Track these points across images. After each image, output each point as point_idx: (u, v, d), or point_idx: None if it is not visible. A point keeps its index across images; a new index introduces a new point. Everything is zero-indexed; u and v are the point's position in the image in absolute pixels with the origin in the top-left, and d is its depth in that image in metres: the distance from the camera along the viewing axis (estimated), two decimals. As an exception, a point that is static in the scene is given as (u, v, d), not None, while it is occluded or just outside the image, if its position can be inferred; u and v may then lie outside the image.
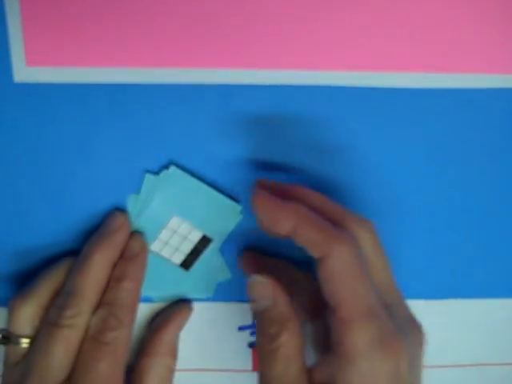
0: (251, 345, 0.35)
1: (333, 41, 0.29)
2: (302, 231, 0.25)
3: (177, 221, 0.32)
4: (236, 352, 0.35)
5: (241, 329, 0.35)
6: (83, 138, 0.30)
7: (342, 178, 0.32)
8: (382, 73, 0.30)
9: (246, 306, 0.34)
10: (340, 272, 0.25)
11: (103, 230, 0.30)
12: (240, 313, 0.34)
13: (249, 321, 0.34)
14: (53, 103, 0.30)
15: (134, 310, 0.30)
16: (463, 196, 0.33)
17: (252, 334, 0.35)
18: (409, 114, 0.31)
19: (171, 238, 0.32)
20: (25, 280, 0.32)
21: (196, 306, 0.34)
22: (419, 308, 0.33)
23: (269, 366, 0.25)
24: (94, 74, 0.29)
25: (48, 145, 0.30)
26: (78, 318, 0.28)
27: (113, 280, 0.30)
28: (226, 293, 0.34)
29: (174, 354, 0.32)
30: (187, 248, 0.32)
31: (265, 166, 0.31)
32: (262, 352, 0.26)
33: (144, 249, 0.31)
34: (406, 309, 0.27)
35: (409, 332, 0.26)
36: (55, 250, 0.32)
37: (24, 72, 0.29)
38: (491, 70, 0.30)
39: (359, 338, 0.24)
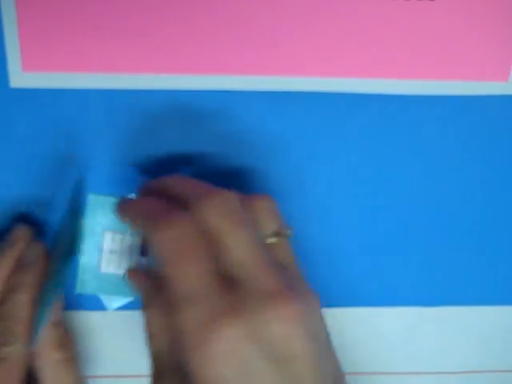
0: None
1: (329, 48, 0.29)
2: (135, 225, 0.26)
3: None
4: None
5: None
6: (80, 143, 0.30)
7: (336, 184, 0.32)
8: (378, 79, 0.30)
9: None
10: (162, 257, 0.24)
11: (2, 244, 0.30)
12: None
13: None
14: (49, 108, 0.29)
15: (28, 323, 0.29)
16: (458, 204, 0.33)
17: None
18: (405, 120, 0.31)
19: None
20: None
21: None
22: (413, 315, 0.34)
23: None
24: (90, 80, 0.29)
25: (44, 150, 0.30)
26: None
27: (8, 291, 0.29)
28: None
29: (56, 347, 0.30)
30: None
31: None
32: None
33: (41, 257, 0.30)
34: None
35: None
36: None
37: (20, 77, 0.29)
38: (484, 77, 0.30)
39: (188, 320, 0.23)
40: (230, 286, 0.24)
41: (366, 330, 0.34)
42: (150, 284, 0.27)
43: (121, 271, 0.31)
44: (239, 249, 0.24)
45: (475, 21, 0.29)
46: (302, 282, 0.27)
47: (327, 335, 0.26)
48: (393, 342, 0.34)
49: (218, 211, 0.25)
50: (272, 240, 0.26)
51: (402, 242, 0.33)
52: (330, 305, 0.34)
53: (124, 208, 0.27)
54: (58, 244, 0.30)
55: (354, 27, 0.29)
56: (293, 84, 0.30)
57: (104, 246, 0.31)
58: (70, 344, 0.31)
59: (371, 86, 0.30)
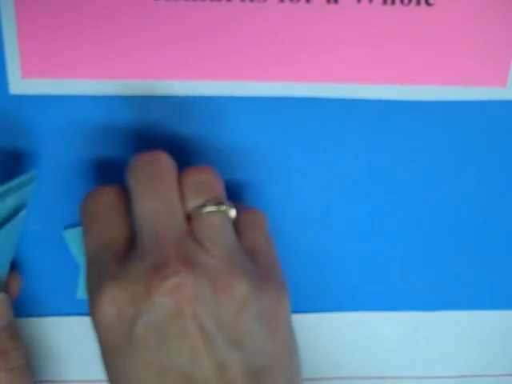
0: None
1: (327, 54, 0.29)
2: None
3: None
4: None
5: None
6: (79, 149, 0.30)
7: (335, 189, 0.32)
8: (375, 85, 0.30)
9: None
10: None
11: None
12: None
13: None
14: (49, 115, 0.30)
15: None
16: (457, 209, 0.33)
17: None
18: (403, 126, 0.31)
19: None
20: None
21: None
22: (413, 320, 0.34)
23: None
24: (90, 86, 0.29)
25: (44, 156, 0.30)
26: None
27: None
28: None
29: None
30: None
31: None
32: None
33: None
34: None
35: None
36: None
37: (20, 84, 0.29)
38: (482, 82, 0.30)
39: None
40: (127, 251, 0.24)
41: (365, 335, 0.34)
42: None
43: None
44: (141, 216, 0.24)
45: (473, 26, 0.29)
46: (232, 260, 0.24)
47: (255, 321, 0.23)
48: (392, 346, 0.34)
49: (136, 173, 0.25)
50: (202, 211, 0.25)
51: (401, 246, 0.33)
52: (329, 309, 0.34)
53: None
54: None
55: (352, 33, 0.29)
56: (290, 90, 0.30)
57: None
58: (13, 353, 0.28)
59: (369, 92, 0.30)
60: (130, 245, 0.25)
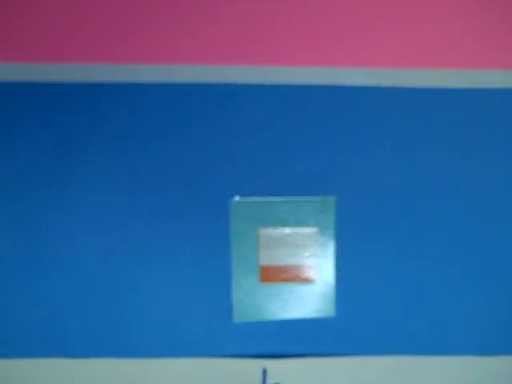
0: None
1: (339, 39, 0.29)
2: None
3: None
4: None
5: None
6: (60, 137, 0.27)
7: (340, 177, 0.31)
8: (386, 70, 0.30)
9: (252, 362, 0.30)
10: None
11: None
12: (246, 368, 0.30)
13: (254, 376, 0.30)
14: (24, 101, 0.27)
15: None
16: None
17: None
18: (412, 112, 0.31)
19: None
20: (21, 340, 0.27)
21: (205, 361, 0.30)
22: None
23: None
24: (68, 71, 0.27)
25: (20, 143, 0.27)
26: None
27: None
28: (230, 347, 0.30)
29: None
30: None
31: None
32: None
33: None
34: None
35: None
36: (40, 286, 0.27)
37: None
38: (497, 65, 0.30)
39: None
40: None
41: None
42: None
43: None
44: None
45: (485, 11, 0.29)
46: None
47: None
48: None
49: None
50: None
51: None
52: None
53: None
54: None
55: (361, 18, 0.29)
56: (300, 76, 0.28)
57: None
58: None
59: (378, 78, 0.29)
60: None
